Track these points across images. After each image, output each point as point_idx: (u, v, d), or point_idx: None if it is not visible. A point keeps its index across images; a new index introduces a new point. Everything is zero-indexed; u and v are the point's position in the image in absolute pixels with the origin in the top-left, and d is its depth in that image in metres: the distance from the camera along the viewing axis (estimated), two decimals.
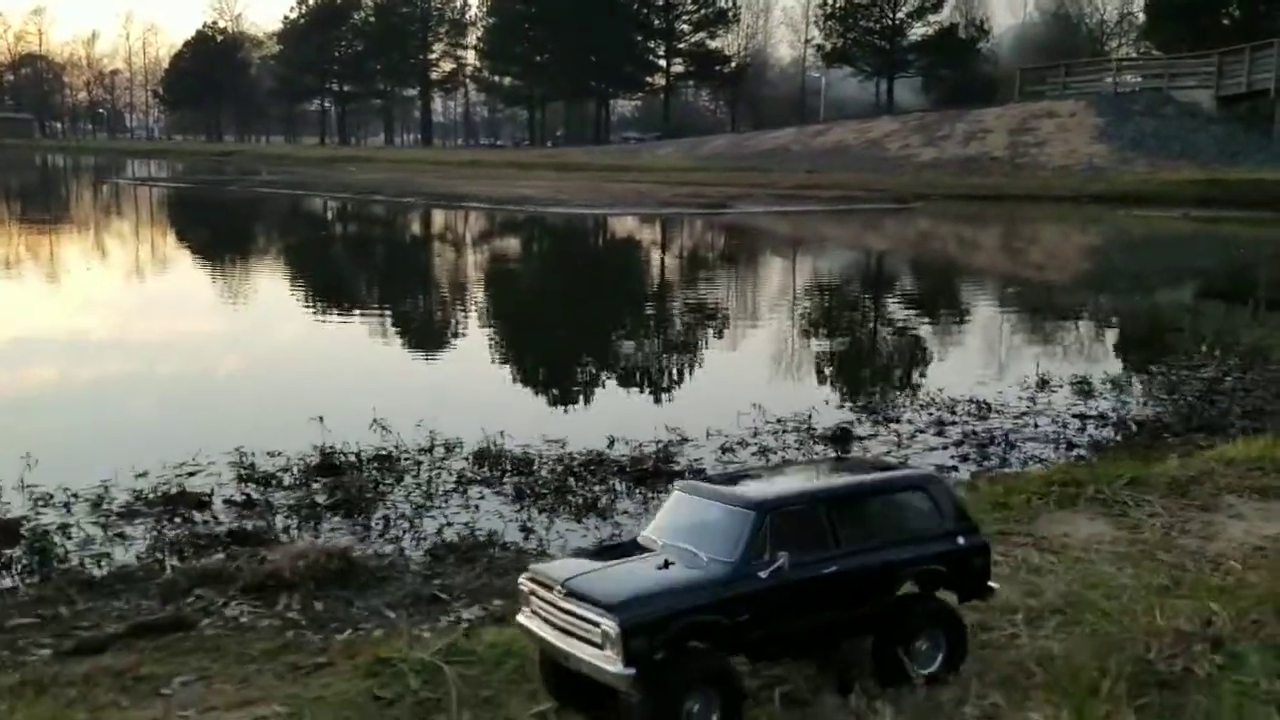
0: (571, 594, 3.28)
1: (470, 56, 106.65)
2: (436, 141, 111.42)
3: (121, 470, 7.30)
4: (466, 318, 17.00)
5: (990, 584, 3.83)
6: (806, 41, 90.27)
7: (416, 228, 35.80)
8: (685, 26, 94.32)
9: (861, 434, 8.38)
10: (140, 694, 4.10)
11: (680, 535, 3.47)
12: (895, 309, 18.26)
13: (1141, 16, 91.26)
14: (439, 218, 37.74)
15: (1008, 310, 17.96)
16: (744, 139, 70.36)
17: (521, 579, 3.56)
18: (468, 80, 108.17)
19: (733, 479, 3.86)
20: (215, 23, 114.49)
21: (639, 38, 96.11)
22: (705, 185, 46.13)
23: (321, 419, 7.98)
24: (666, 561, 3.36)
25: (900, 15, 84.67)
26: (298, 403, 9.56)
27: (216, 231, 33.49)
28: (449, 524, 6.56)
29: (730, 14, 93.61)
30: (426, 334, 15.38)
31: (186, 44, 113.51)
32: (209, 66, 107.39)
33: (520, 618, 3.53)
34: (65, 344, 13.45)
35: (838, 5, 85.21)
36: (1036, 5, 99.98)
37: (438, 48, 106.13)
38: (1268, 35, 62.08)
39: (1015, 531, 4.52)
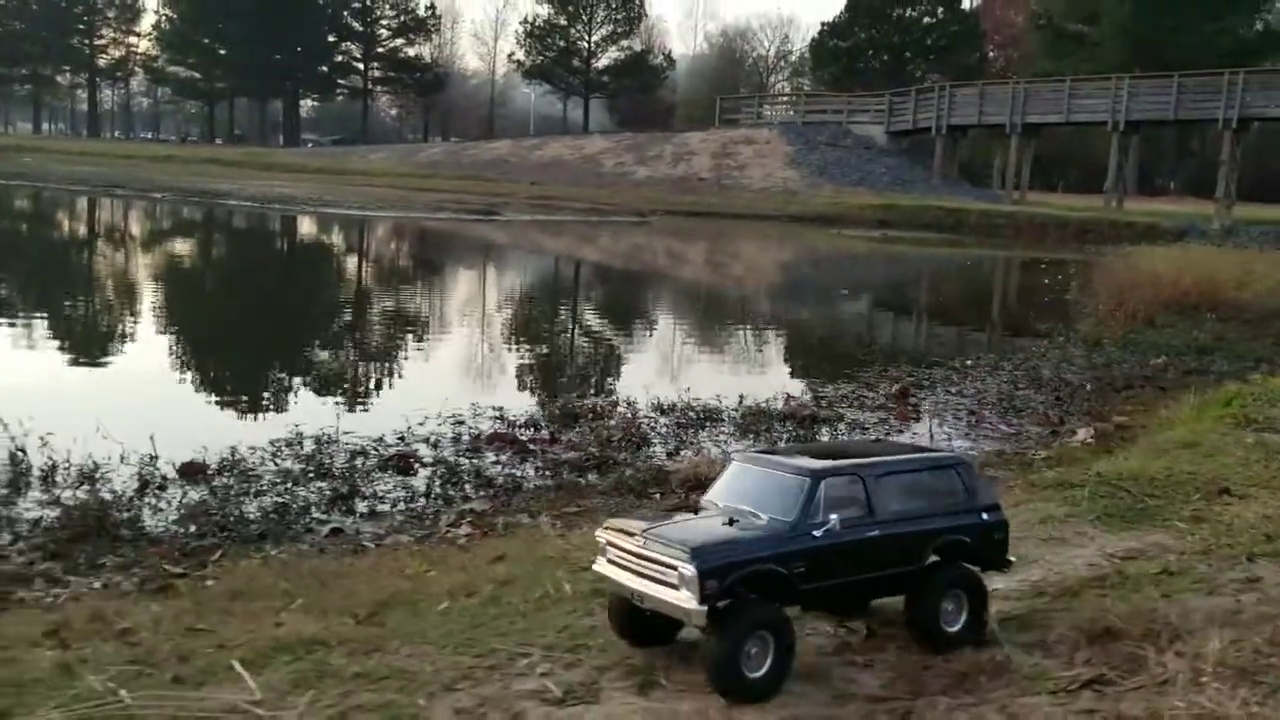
0: (651, 542, 3.67)
1: (143, 44, 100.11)
2: (84, 132, 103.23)
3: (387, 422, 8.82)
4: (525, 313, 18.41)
5: (1009, 557, 4.27)
6: (509, 56, 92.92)
7: (222, 229, 34.68)
8: (384, 31, 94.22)
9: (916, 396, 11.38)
10: None
11: (739, 499, 3.88)
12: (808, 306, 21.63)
13: (795, 54, 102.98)
14: (217, 217, 36.59)
15: (863, 306, 21.82)
16: (461, 149, 71.78)
17: (599, 532, 3.95)
18: (138, 69, 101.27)
19: (786, 452, 4.32)
20: None
21: (332, 38, 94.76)
22: (448, 192, 47.58)
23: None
24: (731, 519, 3.78)
25: (595, 39, 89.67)
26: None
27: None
28: (723, 449, 8.80)
29: (430, 23, 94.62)
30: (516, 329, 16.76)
31: None
32: None
33: (597, 566, 3.92)
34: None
35: (537, 24, 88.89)
36: (705, 38, 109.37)
37: (106, 33, 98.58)
38: (908, 77, 73.22)
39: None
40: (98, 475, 6.90)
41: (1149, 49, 56.98)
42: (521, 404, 10.32)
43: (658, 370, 13.74)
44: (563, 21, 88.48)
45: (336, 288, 22.51)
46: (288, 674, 3.57)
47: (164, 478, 7.02)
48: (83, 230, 32.49)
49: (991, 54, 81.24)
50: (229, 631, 3.96)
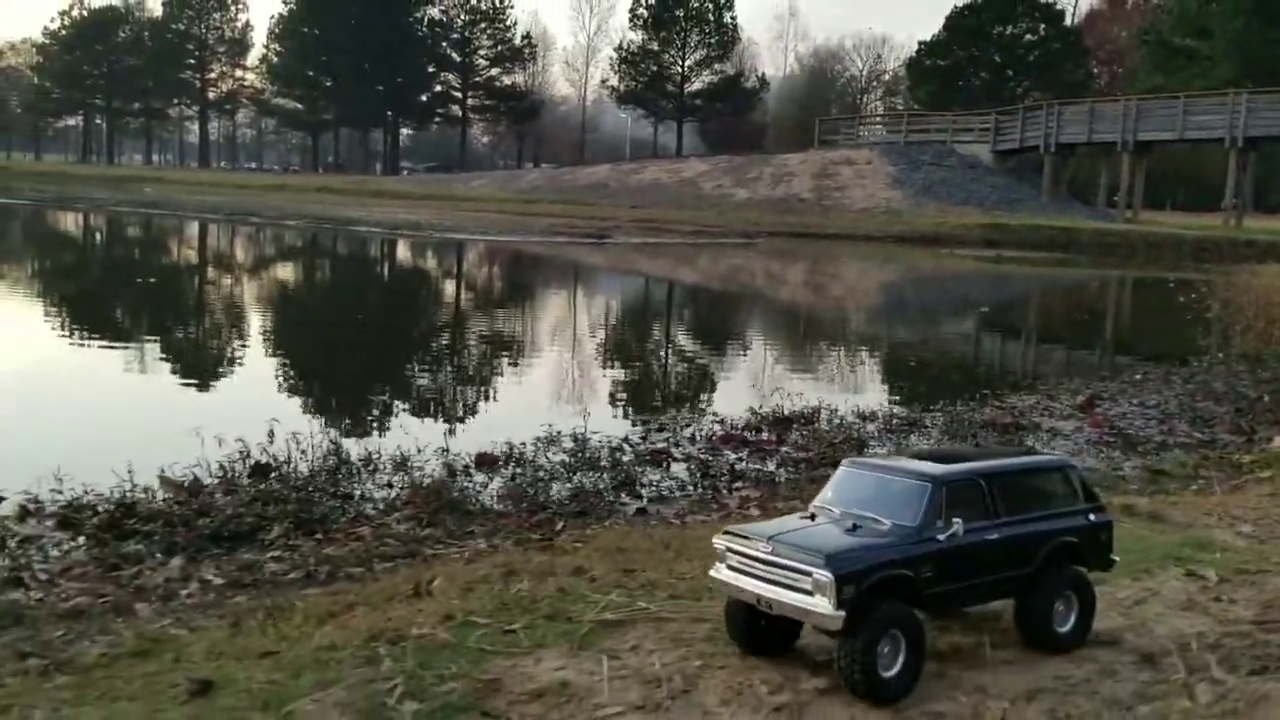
0: (780, 548, 3.72)
1: (250, 77, 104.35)
2: (190, 163, 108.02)
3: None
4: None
5: (1112, 557, 4.34)
6: (602, 82, 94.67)
7: (371, 253, 36.15)
8: (481, 61, 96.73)
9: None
10: None
11: (856, 504, 3.92)
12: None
13: (889, 74, 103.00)
14: (367, 245, 38.13)
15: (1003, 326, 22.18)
16: (560, 174, 73.27)
17: (716, 539, 3.97)
18: (247, 102, 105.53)
19: (901, 458, 4.33)
20: None
21: (431, 69, 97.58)
22: (557, 217, 48.71)
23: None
24: (854, 525, 3.83)
25: (689, 63, 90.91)
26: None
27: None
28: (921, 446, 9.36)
29: (525, 52, 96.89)
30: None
31: None
32: None
33: (713, 573, 3.94)
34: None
35: (631, 50, 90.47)
36: (797, 59, 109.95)
37: (216, 67, 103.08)
38: (1009, 95, 72.82)
39: None
40: (409, 463, 7.75)
41: (1263, 63, 55.94)
42: (723, 410, 10.96)
43: (831, 381, 14.39)
44: (656, 47, 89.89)
45: (501, 306, 23.52)
46: None
47: (465, 466, 7.84)
48: (252, 255, 34.17)
49: (1095, 70, 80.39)
50: (656, 572, 4.67)
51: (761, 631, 3.91)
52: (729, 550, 3.87)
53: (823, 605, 3.55)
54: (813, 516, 3.97)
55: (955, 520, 3.77)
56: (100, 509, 6.18)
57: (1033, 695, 3.50)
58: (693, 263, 36.44)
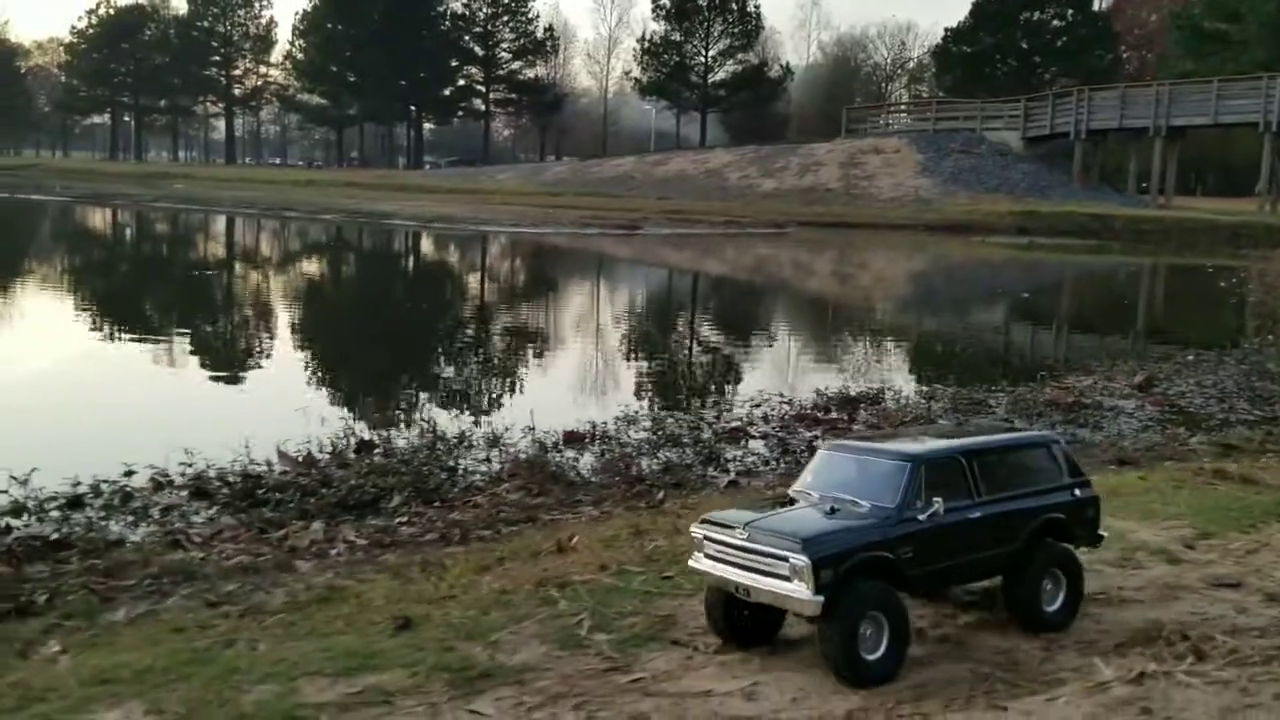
0: (757, 535, 3.65)
1: (275, 74, 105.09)
2: (216, 159, 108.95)
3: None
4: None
5: (1100, 533, 4.27)
6: (625, 74, 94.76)
7: (414, 247, 36.58)
8: (504, 54, 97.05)
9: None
10: None
11: (835, 487, 3.85)
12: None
13: (914, 62, 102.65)
14: (405, 238, 38.44)
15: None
16: (585, 166, 73.42)
17: (694, 527, 3.89)
18: (271, 98, 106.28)
19: (880, 439, 4.31)
20: None
21: (455, 63, 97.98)
22: (586, 209, 48.67)
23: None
24: (833, 508, 3.76)
25: (712, 53, 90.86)
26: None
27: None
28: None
29: (548, 45, 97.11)
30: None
31: None
32: None
33: (692, 562, 3.87)
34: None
35: (654, 41, 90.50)
36: (820, 47, 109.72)
37: (241, 64, 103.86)
38: (1038, 81, 72.50)
39: None
40: (501, 441, 8.05)
41: None
42: (786, 393, 11.21)
43: (887, 365, 14.64)
44: (678, 37, 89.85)
45: (550, 296, 23.87)
46: None
47: (555, 443, 8.13)
48: (297, 248, 34.75)
49: (1124, 55, 79.92)
50: None
51: (743, 621, 3.83)
52: (706, 539, 3.78)
53: (801, 591, 3.48)
54: (791, 501, 3.91)
55: (935, 500, 3.71)
56: (230, 480, 6.52)
57: (1177, 626, 3.74)
58: (726, 253, 36.61)
